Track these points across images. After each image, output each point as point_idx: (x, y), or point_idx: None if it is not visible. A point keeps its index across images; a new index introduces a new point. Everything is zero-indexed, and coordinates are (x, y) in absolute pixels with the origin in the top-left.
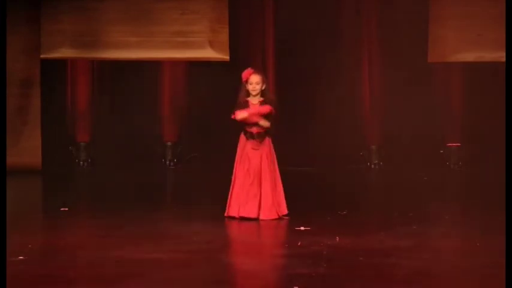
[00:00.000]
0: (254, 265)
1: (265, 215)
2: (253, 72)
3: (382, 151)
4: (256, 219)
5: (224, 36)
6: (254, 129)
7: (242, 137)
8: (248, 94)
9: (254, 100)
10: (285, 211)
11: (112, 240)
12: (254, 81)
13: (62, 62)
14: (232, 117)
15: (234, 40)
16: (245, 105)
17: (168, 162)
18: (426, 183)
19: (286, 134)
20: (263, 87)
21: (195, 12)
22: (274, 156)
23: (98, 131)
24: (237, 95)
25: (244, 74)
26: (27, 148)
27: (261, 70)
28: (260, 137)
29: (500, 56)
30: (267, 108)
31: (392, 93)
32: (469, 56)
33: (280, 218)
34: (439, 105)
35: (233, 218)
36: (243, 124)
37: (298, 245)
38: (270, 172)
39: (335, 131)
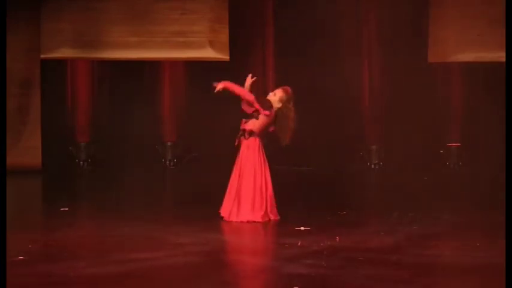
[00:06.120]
0: (254, 265)
1: (246, 216)
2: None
3: (382, 151)
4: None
5: (224, 36)
6: (248, 126)
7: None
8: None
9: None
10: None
11: (112, 240)
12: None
13: (62, 62)
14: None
15: (234, 40)
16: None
17: (168, 162)
18: (426, 183)
19: None
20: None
21: (195, 12)
22: (265, 159)
23: (98, 131)
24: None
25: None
26: (27, 148)
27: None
28: (249, 135)
29: (500, 56)
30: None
31: (392, 93)
32: (469, 56)
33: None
34: (439, 105)
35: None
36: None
37: (298, 245)
38: (259, 174)
39: (335, 131)
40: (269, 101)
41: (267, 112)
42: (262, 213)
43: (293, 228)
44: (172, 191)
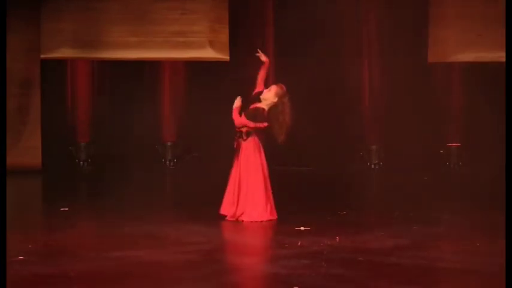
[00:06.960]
0: (254, 265)
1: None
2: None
3: (382, 151)
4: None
5: (224, 36)
6: (244, 129)
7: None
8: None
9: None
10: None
11: (112, 240)
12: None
13: (62, 62)
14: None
15: (234, 40)
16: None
17: (168, 162)
18: (426, 183)
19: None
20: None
21: (195, 12)
22: (262, 159)
23: (98, 131)
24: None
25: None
26: (27, 148)
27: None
28: (247, 136)
29: (500, 56)
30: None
31: (392, 93)
32: (469, 56)
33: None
34: (439, 105)
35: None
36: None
37: (298, 245)
38: (262, 174)
39: (335, 131)
40: (260, 108)
41: (265, 124)
42: (267, 212)
43: (293, 228)
44: (172, 191)
